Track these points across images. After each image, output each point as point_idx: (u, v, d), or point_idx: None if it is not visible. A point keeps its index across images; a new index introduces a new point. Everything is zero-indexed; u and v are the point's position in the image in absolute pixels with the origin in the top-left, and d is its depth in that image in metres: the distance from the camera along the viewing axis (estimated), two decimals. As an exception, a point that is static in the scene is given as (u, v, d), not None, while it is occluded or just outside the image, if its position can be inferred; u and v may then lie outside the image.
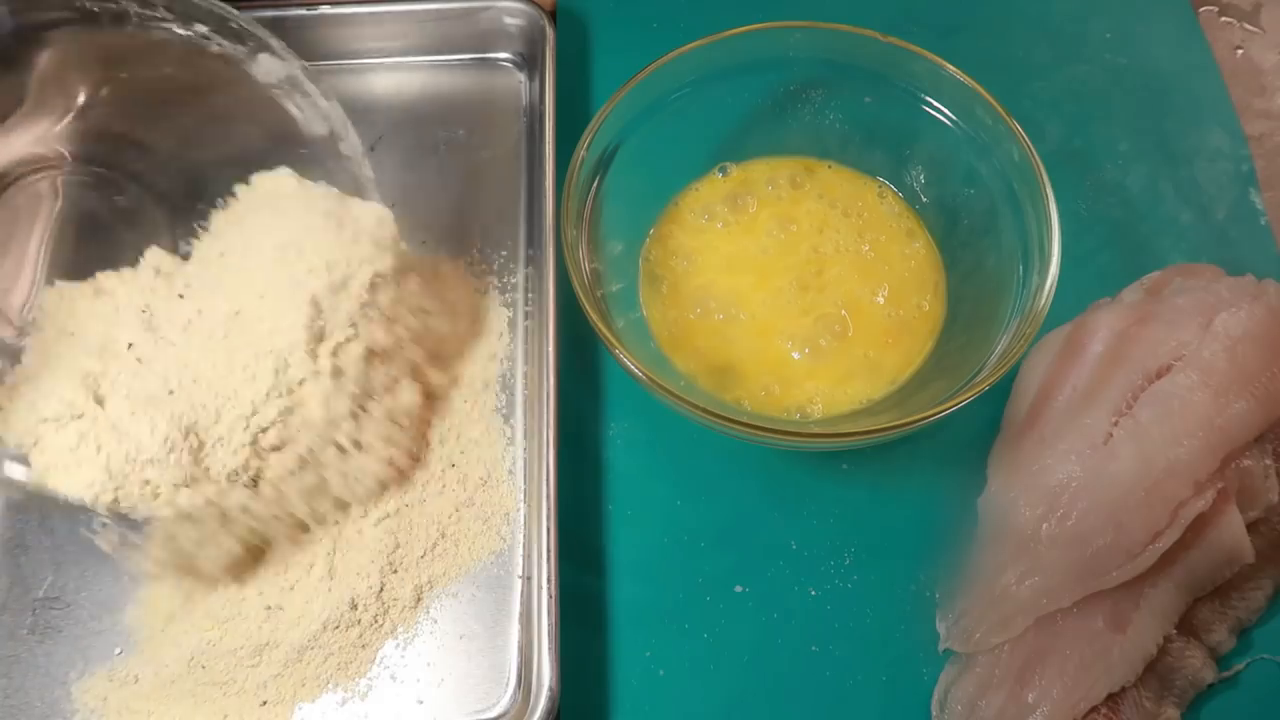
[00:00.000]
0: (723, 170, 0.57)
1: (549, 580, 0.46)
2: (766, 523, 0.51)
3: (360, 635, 0.46)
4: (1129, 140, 0.62)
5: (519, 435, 0.51)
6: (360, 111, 0.61)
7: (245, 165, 0.51)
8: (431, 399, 0.51)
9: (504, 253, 0.57)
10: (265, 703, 0.45)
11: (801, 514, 0.51)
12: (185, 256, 0.50)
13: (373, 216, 0.49)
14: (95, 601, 0.48)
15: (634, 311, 0.53)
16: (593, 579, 0.49)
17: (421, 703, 0.46)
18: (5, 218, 0.54)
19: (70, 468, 0.43)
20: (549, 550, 0.46)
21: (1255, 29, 0.68)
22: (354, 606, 0.46)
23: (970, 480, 0.51)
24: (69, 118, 0.53)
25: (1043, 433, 0.49)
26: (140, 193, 0.54)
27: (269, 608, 0.46)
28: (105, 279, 0.48)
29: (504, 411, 0.52)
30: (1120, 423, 0.47)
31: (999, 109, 0.50)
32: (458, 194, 0.58)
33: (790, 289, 0.54)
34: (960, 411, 0.44)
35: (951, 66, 0.51)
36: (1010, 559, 0.46)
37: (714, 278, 0.54)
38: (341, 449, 0.47)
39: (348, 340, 0.47)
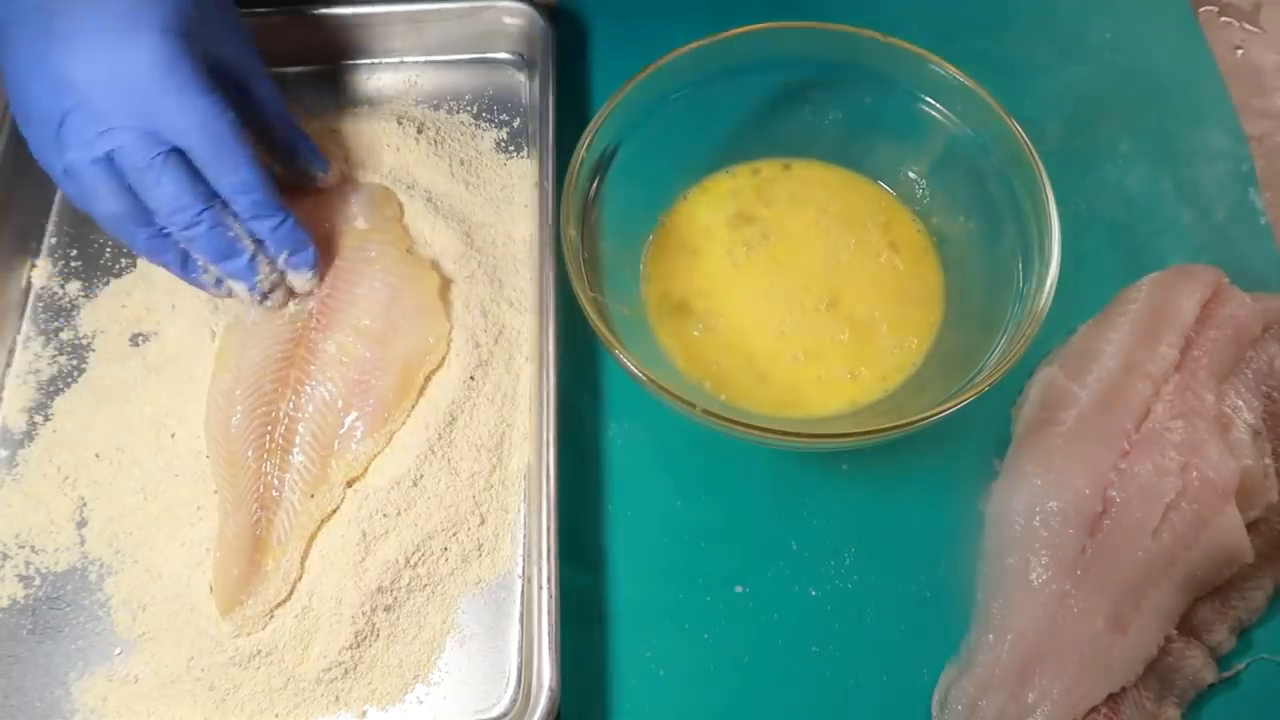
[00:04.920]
0: (723, 171, 0.57)
1: (549, 580, 0.46)
2: (766, 523, 0.51)
3: (360, 635, 0.46)
4: (1129, 140, 0.62)
5: (519, 436, 0.51)
6: (361, 112, 0.61)
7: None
8: (429, 399, 0.51)
9: (504, 253, 0.56)
10: (266, 703, 0.45)
11: (801, 514, 0.51)
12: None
13: None
14: (95, 602, 0.48)
15: (634, 312, 0.53)
16: (593, 579, 0.49)
17: (421, 703, 0.46)
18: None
19: None
20: (549, 550, 0.46)
21: (1255, 29, 0.68)
22: (352, 606, 0.46)
23: (970, 481, 0.51)
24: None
25: (1059, 437, 0.49)
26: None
27: (269, 608, 0.46)
28: None
29: (504, 411, 0.52)
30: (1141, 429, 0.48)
31: (999, 109, 0.50)
32: (457, 194, 0.58)
33: (790, 289, 0.54)
34: (960, 412, 0.44)
35: (951, 67, 0.51)
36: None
37: (714, 278, 0.54)
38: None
39: None
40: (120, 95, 0.43)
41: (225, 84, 0.46)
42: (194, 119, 0.44)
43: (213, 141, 0.44)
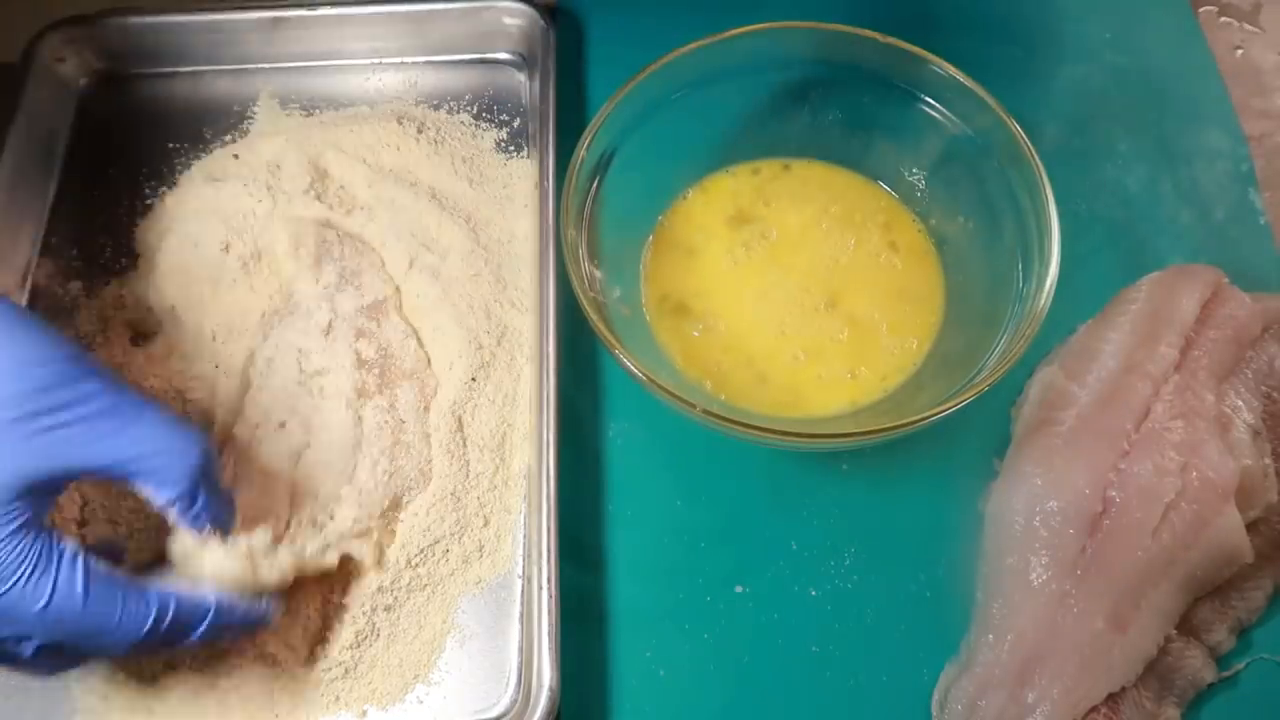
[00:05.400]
0: (723, 171, 0.57)
1: (549, 580, 0.46)
2: (766, 523, 0.51)
3: (359, 635, 0.46)
4: (1129, 140, 0.62)
5: (520, 437, 0.51)
6: (361, 112, 0.61)
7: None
8: (430, 400, 0.51)
9: (508, 251, 0.56)
10: (266, 703, 0.45)
11: (801, 514, 0.51)
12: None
13: None
14: (95, 601, 0.48)
15: (634, 312, 0.53)
16: (593, 579, 0.49)
17: (421, 703, 0.46)
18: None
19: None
20: (549, 550, 0.46)
21: (1255, 29, 0.68)
22: (354, 607, 0.46)
23: (971, 480, 0.51)
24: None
25: (1059, 437, 0.49)
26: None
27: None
28: None
29: (505, 412, 0.52)
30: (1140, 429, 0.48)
31: (999, 109, 0.50)
32: (461, 191, 0.58)
33: (790, 289, 0.54)
34: (960, 412, 0.44)
35: (951, 66, 0.51)
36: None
37: (714, 278, 0.54)
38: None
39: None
40: None
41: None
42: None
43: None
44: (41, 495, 0.38)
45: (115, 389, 0.39)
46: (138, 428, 0.39)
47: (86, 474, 0.38)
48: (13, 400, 0.37)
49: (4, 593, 0.36)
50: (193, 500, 0.40)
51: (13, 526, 0.37)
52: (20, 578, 0.37)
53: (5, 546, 0.36)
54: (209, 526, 0.41)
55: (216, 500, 0.41)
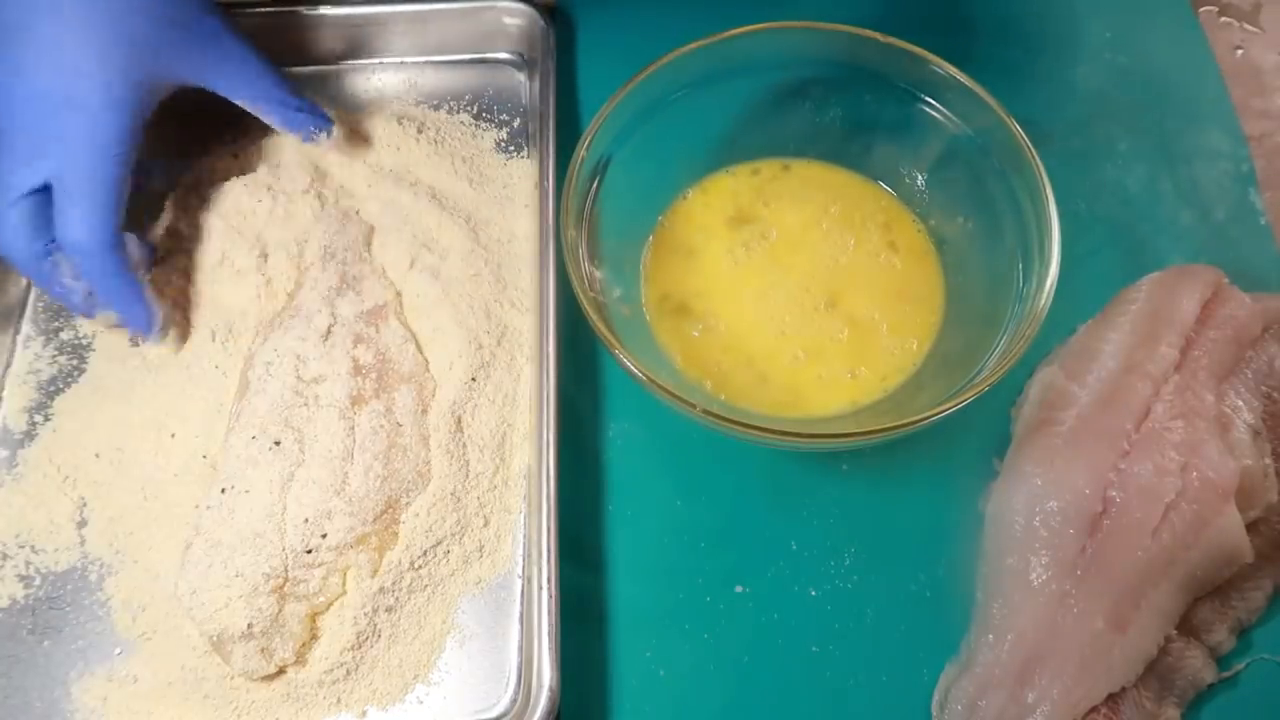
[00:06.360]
0: (723, 171, 0.57)
1: (549, 580, 0.46)
2: (766, 523, 0.51)
3: (360, 635, 0.46)
4: (1129, 140, 0.62)
5: (520, 437, 0.51)
6: (361, 112, 0.61)
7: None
8: (429, 403, 0.51)
9: (508, 251, 0.56)
10: (266, 705, 0.45)
11: (801, 514, 0.51)
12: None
13: None
14: (95, 601, 0.48)
15: (634, 312, 0.53)
16: (593, 579, 0.49)
17: (421, 703, 0.46)
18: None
19: None
20: (549, 550, 0.46)
21: (1255, 29, 0.68)
22: (354, 608, 0.46)
23: (971, 480, 0.51)
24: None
25: (1059, 437, 0.49)
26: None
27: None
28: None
29: (505, 412, 0.52)
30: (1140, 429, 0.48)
31: (999, 109, 0.50)
32: (461, 191, 0.58)
33: (790, 289, 0.54)
34: (960, 412, 0.44)
35: (951, 67, 0.51)
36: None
37: (714, 278, 0.54)
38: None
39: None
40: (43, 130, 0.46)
41: (200, 88, 0.52)
42: (77, 162, 0.46)
43: (73, 191, 0.46)
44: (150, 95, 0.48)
45: (229, 29, 0.51)
46: (244, 64, 0.52)
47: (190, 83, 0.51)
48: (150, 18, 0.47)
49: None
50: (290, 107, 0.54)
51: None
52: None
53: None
54: (312, 130, 0.56)
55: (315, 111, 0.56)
